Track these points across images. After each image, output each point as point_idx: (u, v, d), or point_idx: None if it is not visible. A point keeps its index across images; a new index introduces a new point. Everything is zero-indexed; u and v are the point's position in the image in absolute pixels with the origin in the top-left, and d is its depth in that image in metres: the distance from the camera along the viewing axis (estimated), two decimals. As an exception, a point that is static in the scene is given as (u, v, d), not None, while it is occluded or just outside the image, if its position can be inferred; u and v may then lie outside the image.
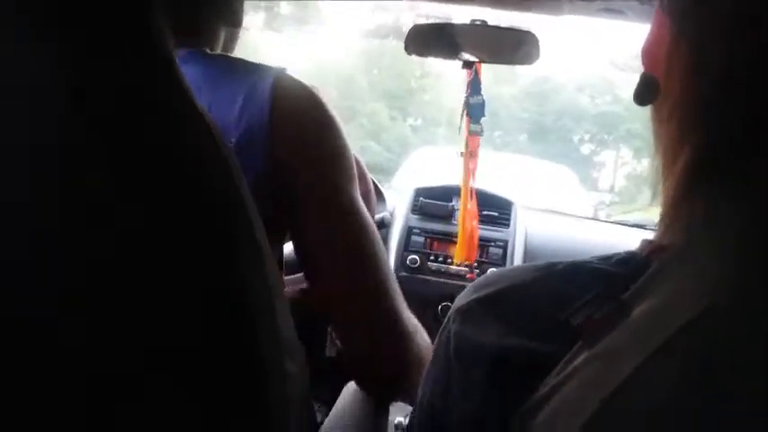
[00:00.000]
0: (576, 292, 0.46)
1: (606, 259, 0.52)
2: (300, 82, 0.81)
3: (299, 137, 0.78)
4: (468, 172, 1.46)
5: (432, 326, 1.47)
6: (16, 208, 0.37)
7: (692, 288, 0.40)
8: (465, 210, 1.49)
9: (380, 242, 0.81)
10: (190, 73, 0.77)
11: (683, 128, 0.49)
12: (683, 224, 0.48)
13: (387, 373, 0.82)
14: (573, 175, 4.78)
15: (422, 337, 0.84)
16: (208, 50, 0.81)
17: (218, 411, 0.42)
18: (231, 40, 0.93)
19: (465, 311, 0.55)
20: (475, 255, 1.51)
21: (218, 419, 0.42)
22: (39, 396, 0.38)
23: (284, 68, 0.81)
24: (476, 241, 1.50)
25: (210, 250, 0.43)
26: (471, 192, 1.49)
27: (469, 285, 0.58)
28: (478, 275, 1.51)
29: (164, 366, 0.42)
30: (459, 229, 1.50)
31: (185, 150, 0.43)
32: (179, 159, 0.42)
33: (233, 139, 0.74)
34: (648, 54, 0.53)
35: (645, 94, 0.53)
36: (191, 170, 0.43)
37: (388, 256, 1.56)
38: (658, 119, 0.53)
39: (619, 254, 0.52)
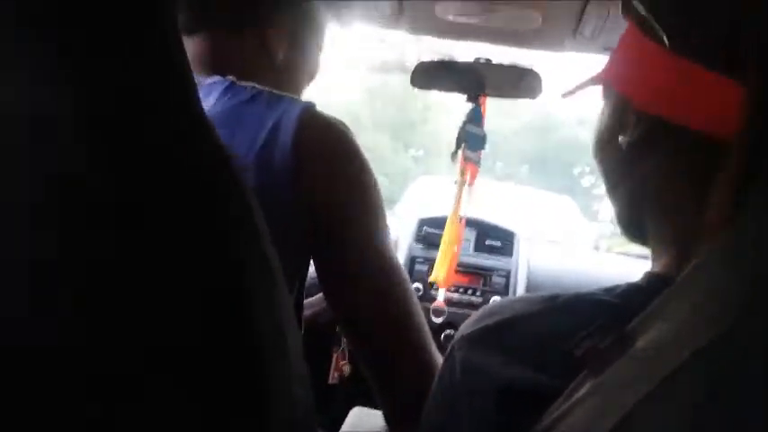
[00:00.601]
0: (580, 324, 0.46)
1: (610, 291, 0.53)
2: (327, 117, 0.79)
3: (326, 175, 0.76)
4: (460, 199, 1.46)
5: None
6: (15, 208, 0.37)
7: (697, 318, 0.40)
8: (450, 234, 1.47)
9: (407, 279, 0.82)
10: (213, 102, 0.76)
11: (697, 162, 0.50)
12: (677, 259, 0.49)
13: (408, 401, 0.81)
14: (574, 205, 4.79)
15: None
16: (236, 79, 0.80)
17: None
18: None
19: (470, 339, 0.55)
20: (451, 280, 1.49)
21: None
22: (38, 397, 0.37)
23: (312, 102, 0.80)
24: (453, 269, 1.48)
25: (219, 269, 0.43)
26: (461, 220, 1.49)
27: (474, 314, 0.59)
28: (481, 304, 1.52)
29: (168, 384, 0.42)
30: (440, 251, 1.47)
31: (188, 156, 0.43)
32: (181, 163, 0.42)
33: (252, 175, 0.72)
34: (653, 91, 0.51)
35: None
36: (193, 177, 0.43)
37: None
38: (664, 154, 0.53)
39: (622, 285, 0.53)
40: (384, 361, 0.81)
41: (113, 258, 0.39)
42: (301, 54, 0.91)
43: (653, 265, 0.56)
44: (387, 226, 0.82)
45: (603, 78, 0.58)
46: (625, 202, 0.60)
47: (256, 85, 0.79)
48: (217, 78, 0.79)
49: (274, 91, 0.79)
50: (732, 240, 0.42)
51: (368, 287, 0.78)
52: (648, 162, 0.54)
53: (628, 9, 0.54)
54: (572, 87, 0.64)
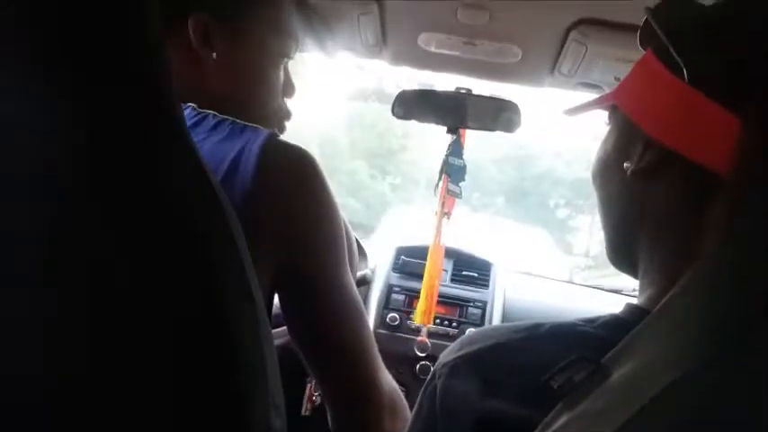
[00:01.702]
0: (559, 354, 0.46)
1: (591, 321, 0.53)
2: (290, 149, 0.78)
3: (285, 208, 0.76)
4: (440, 231, 1.46)
5: (410, 384, 1.48)
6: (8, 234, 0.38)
7: (673, 350, 0.41)
8: (433, 268, 1.47)
9: (361, 310, 0.84)
10: None
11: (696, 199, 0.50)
12: (664, 290, 0.50)
13: (362, 423, 0.85)
14: (549, 238, 4.84)
15: (397, 395, 0.88)
16: (196, 107, 0.78)
17: None
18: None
19: (451, 367, 0.55)
20: (432, 316, 1.48)
21: None
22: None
23: (275, 133, 0.78)
24: (435, 302, 1.48)
25: (202, 300, 0.44)
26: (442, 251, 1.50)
27: (455, 342, 0.59)
28: (457, 335, 1.51)
29: (149, 414, 0.41)
30: (423, 288, 1.47)
31: (175, 188, 0.43)
32: (167, 195, 0.42)
33: None
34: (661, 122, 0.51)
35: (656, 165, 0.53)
36: (180, 208, 0.43)
37: (368, 315, 1.57)
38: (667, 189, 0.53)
39: (604, 316, 0.54)
40: (335, 390, 0.85)
41: (95, 295, 0.39)
42: (246, 52, 0.83)
43: (639, 296, 0.57)
44: (345, 258, 0.83)
45: (612, 102, 0.59)
46: (619, 229, 0.60)
47: (217, 114, 0.78)
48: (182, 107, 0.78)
49: (237, 121, 0.78)
50: (708, 271, 0.43)
51: (320, 316, 0.81)
52: (650, 190, 0.54)
53: (647, 36, 0.54)
54: (577, 106, 0.64)
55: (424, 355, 1.49)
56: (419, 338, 1.50)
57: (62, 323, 0.39)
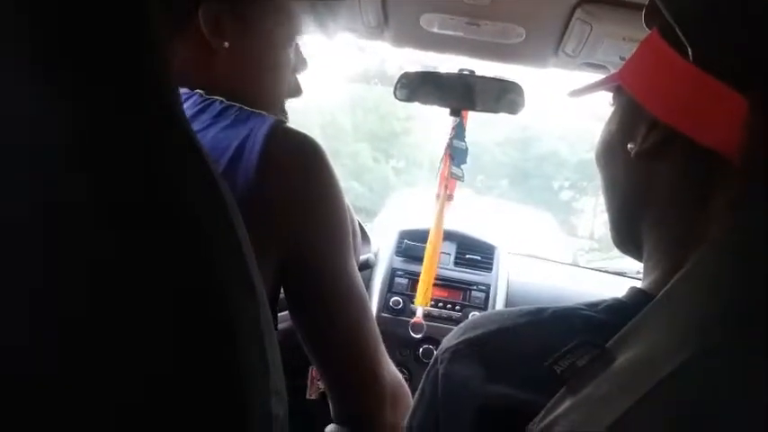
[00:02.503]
0: (563, 339, 0.46)
1: (594, 306, 0.53)
2: (295, 136, 0.77)
3: (287, 195, 0.75)
4: (442, 214, 1.46)
5: (413, 367, 1.48)
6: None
7: (676, 336, 0.40)
8: (433, 251, 1.48)
9: (364, 299, 0.84)
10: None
11: (695, 177, 0.50)
12: (668, 274, 0.49)
13: (364, 413, 0.85)
14: (553, 220, 4.84)
15: (400, 385, 0.89)
16: (203, 93, 0.78)
17: None
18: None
19: (453, 352, 0.55)
20: (430, 298, 1.50)
21: None
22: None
23: (281, 120, 0.78)
24: (431, 284, 1.50)
25: (201, 287, 0.44)
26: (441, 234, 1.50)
27: (458, 327, 0.59)
28: (460, 319, 1.52)
29: (144, 405, 0.42)
30: (423, 270, 1.49)
31: (175, 184, 0.43)
32: (167, 190, 0.42)
33: None
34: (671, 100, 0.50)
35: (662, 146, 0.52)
36: (180, 203, 0.43)
37: (371, 299, 1.57)
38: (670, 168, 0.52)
39: (607, 300, 0.53)
40: (336, 380, 0.85)
41: (93, 290, 0.39)
42: (257, 39, 0.83)
43: (643, 280, 0.56)
44: (350, 247, 0.83)
45: (617, 82, 0.58)
46: (623, 211, 0.59)
47: (224, 100, 0.78)
48: (185, 91, 0.77)
49: (244, 107, 0.77)
50: (712, 257, 0.42)
51: (323, 308, 0.81)
52: (654, 171, 0.53)
53: (652, 15, 0.53)
54: (581, 87, 0.63)
55: (419, 336, 1.49)
56: (413, 320, 1.50)
57: (60, 317, 0.40)
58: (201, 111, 0.76)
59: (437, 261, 1.49)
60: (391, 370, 0.87)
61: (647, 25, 0.55)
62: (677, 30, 0.48)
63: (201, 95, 0.78)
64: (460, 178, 1.39)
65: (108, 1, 0.39)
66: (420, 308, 1.50)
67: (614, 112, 0.58)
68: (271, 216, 0.74)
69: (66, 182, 0.39)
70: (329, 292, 0.80)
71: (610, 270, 1.89)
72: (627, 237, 0.60)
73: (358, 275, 0.84)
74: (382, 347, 0.85)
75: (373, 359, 0.83)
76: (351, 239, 0.83)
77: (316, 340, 0.83)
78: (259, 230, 0.71)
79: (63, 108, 0.39)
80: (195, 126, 0.74)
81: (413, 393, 0.60)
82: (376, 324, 0.85)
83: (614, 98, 0.59)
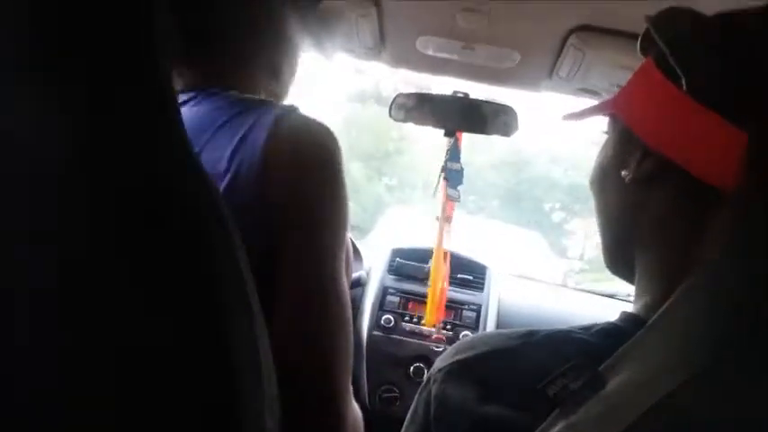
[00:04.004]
0: (555, 362, 0.46)
1: (587, 329, 0.53)
2: (304, 123, 0.75)
3: (290, 184, 0.71)
4: (442, 235, 1.48)
5: (403, 385, 1.48)
6: (14, 236, 0.38)
7: (668, 361, 0.41)
8: (437, 273, 1.50)
9: (348, 318, 0.75)
10: (194, 113, 0.75)
11: (689, 206, 0.50)
12: (661, 298, 0.49)
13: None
14: (543, 241, 4.85)
15: (359, 424, 0.80)
16: (217, 89, 0.77)
17: None
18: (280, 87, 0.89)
19: (447, 372, 0.55)
20: (442, 317, 1.52)
21: None
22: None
23: (292, 107, 0.76)
24: (444, 304, 1.51)
25: (197, 291, 0.44)
26: (445, 255, 1.51)
27: (451, 347, 0.59)
28: (452, 338, 1.52)
29: (142, 414, 0.41)
30: (429, 292, 1.51)
31: (174, 195, 0.43)
32: (166, 201, 0.42)
33: (223, 182, 0.69)
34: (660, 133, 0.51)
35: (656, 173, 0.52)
36: (178, 215, 0.43)
37: (362, 316, 1.57)
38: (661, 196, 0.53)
39: (599, 324, 0.54)
40: (295, 399, 0.69)
41: (98, 308, 0.39)
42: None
43: (634, 304, 0.57)
44: (344, 246, 0.76)
45: (612, 110, 0.58)
46: (616, 235, 0.60)
47: (234, 92, 0.77)
48: (201, 90, 0.77)
49: (255, 97, 0.77)
50: (709, 281, 0.43)
51: (300, 311, 0.71)
52: (647, 198, 0.54)
53: (647, 44, 0.54)
54: (577, 112, 0.64)
55: (441, 349, 1.49)
56: (434, 336, 1.51)
57: (61, 324, 0.39)
58: (213, 101, 0.76)
59: (445, 281, 1.51)
60: (354, 407, 0.79)
61: (642, 53, 0.56)
62: (670, 59, 0.49)
63: (213, 91, 0.78)
64: (456, 199, 1.40)
65: (111, 7, 0.40)
66: (425, 329, 1.53)
67: (609, 139, 0.59)
68: (271, 200, 0.70)
69: (63, 194, 0.39)
70: (309, 289, 0.72)
71: (600, 292, 1.90)
72: (619, 260, 0.60)
73: (346, 288, 0.76)
74: (349, 379, 0.75)
75: (342, 394, 0.73)
76: (344, 234, 0.76)
77: (284, 347, 0.69)
78: (260, 218, 0.69)
79: (63, 110, 0.39)
80: (203, 113, 0.74)
81: (404, 412, 0.60)
82: (351, 350, 0.75)
83: (609, 124, 0.60)
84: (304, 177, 0.72)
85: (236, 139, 0.71)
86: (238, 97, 0.77)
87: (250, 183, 0.69)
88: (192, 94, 0.78)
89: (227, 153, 0.70)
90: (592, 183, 0.61)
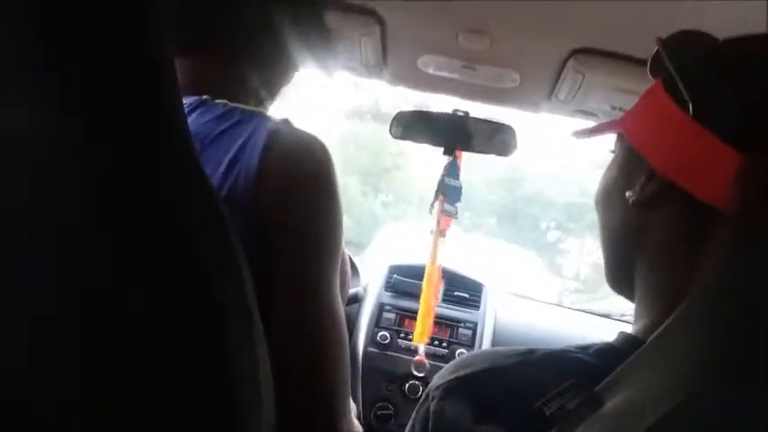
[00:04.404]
0: (553, 381, 0.47)
1: (584, 349, 0.54)
2: (298, 136, 0.75)
3: (284, 197, 0.71)
4: (436, 251, 1.48)
5: (399, 402, 1.47)
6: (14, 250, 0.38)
7: (665, 382, 0.41)
8: (428, 288, 1.48)
9: (344, 337, 0.74)
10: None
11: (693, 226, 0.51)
12: (659, 320, 0.49)
13: None
14: (539, 260, 4.85)
15: None
16: (210, 98, 0.77)
17: None
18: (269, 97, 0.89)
19: (445, 389, 0.55)
20: (429, 335, 1.49)
21: None
22: None
23: (284, 120, 0.76)
24: (432, 321, 1.49)
25: (199, 312, 0.44)
26: (438, 271, 1.51)
27: (449, 364, 0.59)
28: (447, 356, 1.52)
29: (142, 423, 0.41)
30: (420, 308, 1.48)
31: (175, 202, 0.43)
32: (166, 207, 0.42)
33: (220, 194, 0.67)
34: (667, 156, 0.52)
35: (659, 197, 0.53)
36: (179, 220, 0.43)
37: (359, 332, 1.56)
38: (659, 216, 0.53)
39: (597, 344, 0.54)
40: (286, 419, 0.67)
41: (96, 314, 0.39)
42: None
43: (633, 324, 0.57)
44: (338, 261, 0.75)
45: (619, 129, 0.59)
46: (618, 255, 0.60)
47: (228, 102, 0.77)
48: (192, 99, 0.77)
49: (247, 108, 0.76)
50: (706, 305, 0.43)
51: (293, 322, 0.70)
52: (650, 219, 0.54)
53: (657, 66, 0.55)
54: (584, 129, 0.64)
55: (422, 375, 1.48)
56: (416, 358, 1.49)
57: (60, 327, 0.39)
58: (206, 111, 0.75)
59: (436, 298, 1.50)
60: (355, 424, 0.77)
61: (651, 75, 0.57)
62: (679, 84, 0.50)
63: (207, 100, 0.77)
64: (453, 216, 1.41)
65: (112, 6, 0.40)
66: (421, 346, 1.50)
67: (615, 159, 0.60)
68: (264, 213, 0.70)
69: (67, 201, 0.39)
70: (304, 305, 0.70)
71: (595, 312, 1.90)
72: (621, 280, 0.61)
73: (339, 302, 0.75)
74: (349, 390, 0.74)
75: (341, 413, 0.72)
76: (338, 249, 0.76)
77: (278, 364, 0.65)
78: (254, 231, 0.67)
79: (62, 111, 0.39)
80: (198, 125, 0.73)
81: (399, 429, 0.60)
82: (348, 369, 0.74)
83: (616, 144, 0.61)
84: (297, 191, 0.72)
85: (231, 154, 0.71)
86: (231, 108, 0.76)
87: (245, 198, 0.69)
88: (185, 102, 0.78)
89: (222, 168, 0.70)
90: (596, 202, 0.62)
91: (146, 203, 0.42)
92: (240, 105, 0.77)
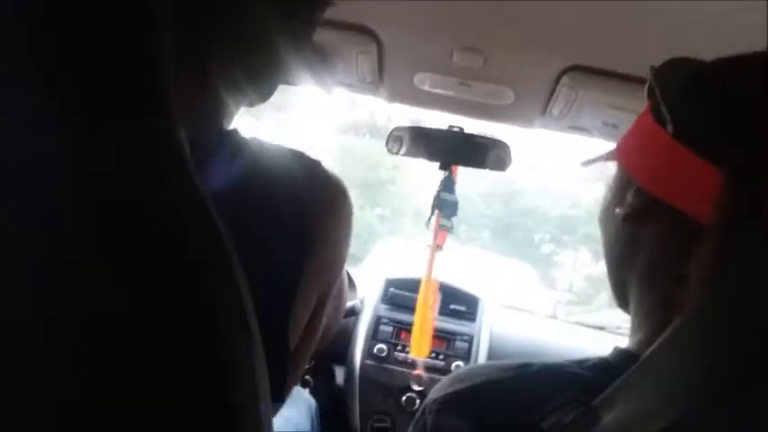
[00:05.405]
0: (549, 395, 0.47)
1: (581, 363, 0.55)
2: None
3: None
4: (432, 265, 1.49)
5: (395, 415, 1.48)
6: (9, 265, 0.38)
7: (661, 398, 0.41)
8: (424, 302, 1.50)
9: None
10: None
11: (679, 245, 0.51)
12: (653, 335, 0.51)
13: None
14: (533, 272, 4.86)
15: None
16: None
17: None
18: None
19: (442, 403, 0.56)
20: (429, 349, 1.51)
21: None
22: None
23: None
24: (431, 335, 1.51)
25: (195, 331, 0.44)
26: (435, 285, 1.52)
27: (446, 378, 0.60)
28: (443, 368, 1.52)
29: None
30: (416, 321, 1.50)
31: (172, 214, 0.42)
32: (163, 218, 0.42)
33: None
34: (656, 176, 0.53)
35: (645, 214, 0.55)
36: (177, 234, 0.42)
37: (356, 346, 1.57)
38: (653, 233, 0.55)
39: (593, 359, 0.55)
40: None
41: (93, 327, 0.39)
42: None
43: (629, 339, 0.58)
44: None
45: (615, 153, 0.61)
46: (614, 270, 0.62)
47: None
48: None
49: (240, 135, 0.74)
50: (698, 319, 0.44)
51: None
52: (639, 235, 0.56)
53: (650, 91, 0.56)
54: (591, 158, 0.67)
55: (420, 389, 1.49)
56: (415, 372, 1.50)
57: (60, 327, 0.39)
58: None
59: (433, 311, 1.51)
60: None
61: (649, 98, 0.59)
62: (661, 105, 0.52)
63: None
64: (449, 229, 1.42)
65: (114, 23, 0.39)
66: (419, 359, 1.51)
67: (612, 179, 0.62)
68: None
69: (63, 212, 0.40)
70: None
71: (590, 324, 1.92)
72: (619, 294, 0.62)
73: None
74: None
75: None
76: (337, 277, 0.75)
77: None
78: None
79: (61, 126, 0.39)
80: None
81: None
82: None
83: (616, 166, 0.63)
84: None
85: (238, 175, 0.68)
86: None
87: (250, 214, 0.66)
88: None
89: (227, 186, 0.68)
90: (598, 220, 0.64)
91: (141, 214, 0.41)
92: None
